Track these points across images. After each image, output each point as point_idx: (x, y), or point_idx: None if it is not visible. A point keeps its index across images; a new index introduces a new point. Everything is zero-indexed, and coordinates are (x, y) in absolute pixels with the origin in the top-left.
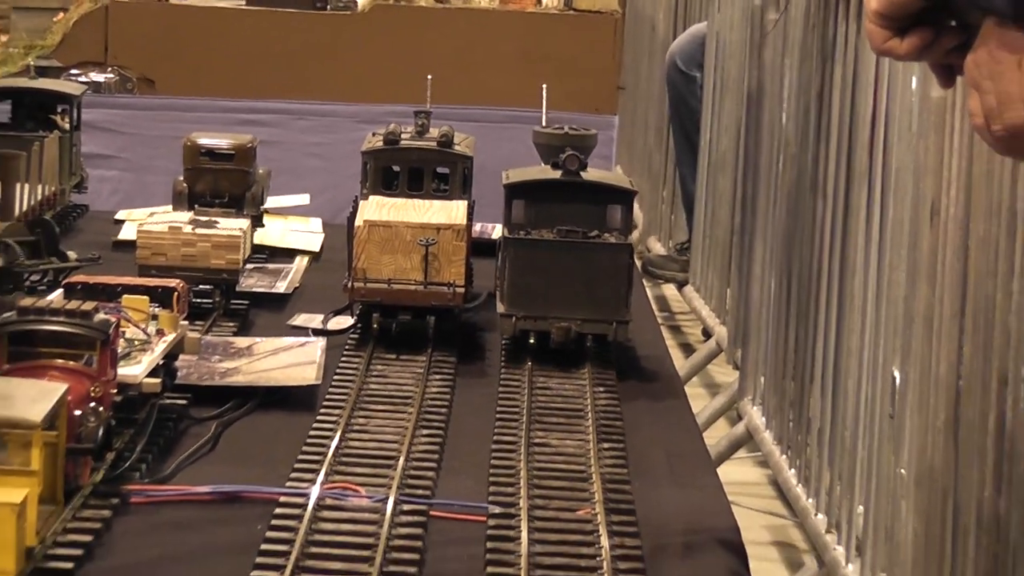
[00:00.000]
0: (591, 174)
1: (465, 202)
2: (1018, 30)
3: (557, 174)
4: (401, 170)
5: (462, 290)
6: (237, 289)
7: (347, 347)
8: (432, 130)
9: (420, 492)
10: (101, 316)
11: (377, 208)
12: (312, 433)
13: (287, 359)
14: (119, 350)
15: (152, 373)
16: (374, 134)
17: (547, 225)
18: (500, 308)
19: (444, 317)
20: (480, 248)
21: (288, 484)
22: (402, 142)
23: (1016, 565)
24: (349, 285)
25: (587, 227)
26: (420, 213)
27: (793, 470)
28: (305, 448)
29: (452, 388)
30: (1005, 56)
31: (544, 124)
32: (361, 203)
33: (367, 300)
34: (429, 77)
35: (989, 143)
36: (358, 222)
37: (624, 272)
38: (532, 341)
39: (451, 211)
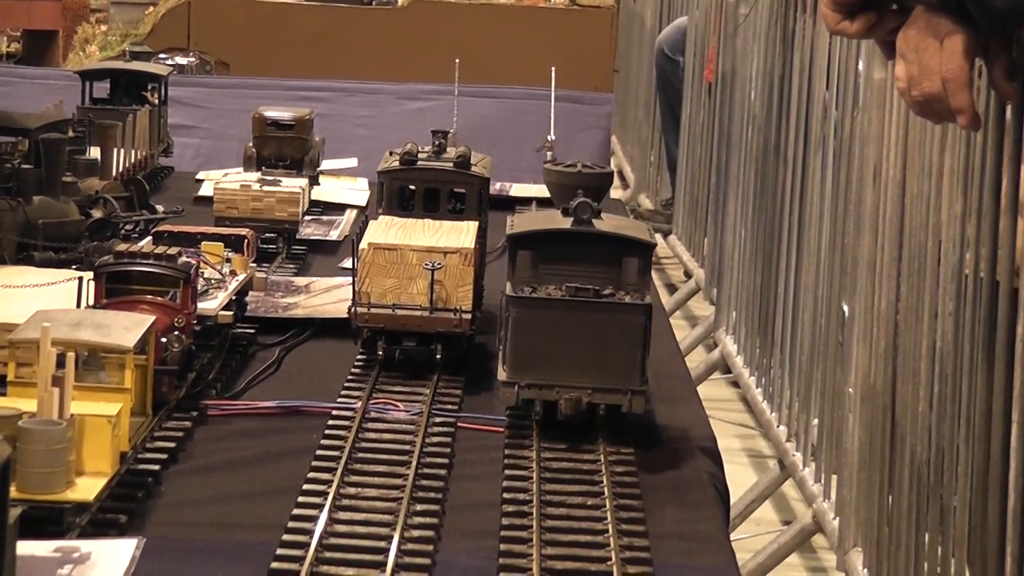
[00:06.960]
0: (605, 222)
1: (476, 223)
2: (943, 17)
3: (567, 223)
4: (417, 190)
5: (469, 316)
6: (297, 237)
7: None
8: (449, 150)
9: (449, 407)
10: (184, 259)
11: (384, 229)
12: (359, 357)
13: (339, 295)
14: (199, 287)
15: (226, 307)
16: (391, 153)
17: (555, 281)
18: (501, 375)
19: (451, 344)
20: (496, 203)
21: (339, 400)
22: (419, 162)
23: (944, 469)
24: (352, 310)
25: (600, 283)
26: (428, 235)
27: (759, 389)
28: (353, 369)
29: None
30: (930, 36)
31: (555, 161)
32: (371, 223)
33: (370, 326)
34: (457, 61)
35: (908, 104)
36: (363, 244)
37: (640, 335)
38: (538, 411)
39: (460, 234)
